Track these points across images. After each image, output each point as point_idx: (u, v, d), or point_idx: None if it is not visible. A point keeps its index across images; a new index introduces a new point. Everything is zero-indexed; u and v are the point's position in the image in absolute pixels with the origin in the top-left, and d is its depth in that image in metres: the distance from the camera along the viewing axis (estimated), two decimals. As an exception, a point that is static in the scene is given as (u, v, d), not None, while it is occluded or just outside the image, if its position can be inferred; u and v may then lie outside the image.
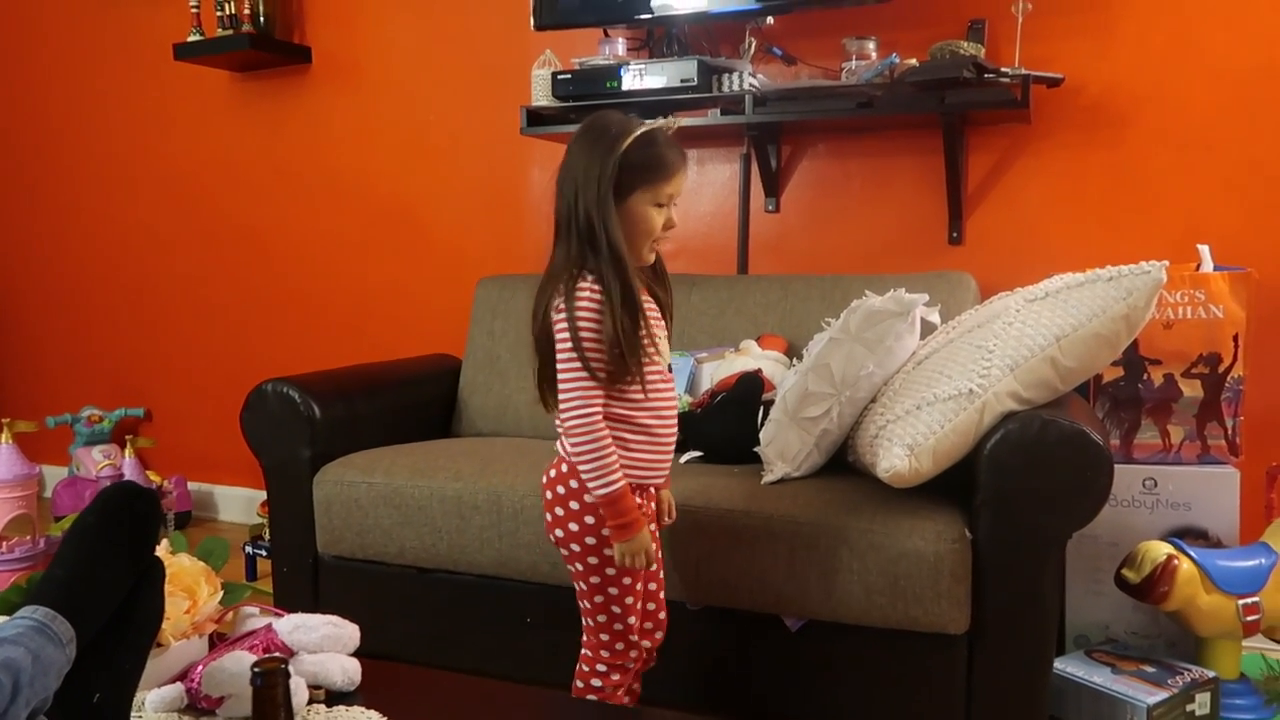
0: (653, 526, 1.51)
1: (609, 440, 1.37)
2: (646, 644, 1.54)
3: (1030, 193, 2.31)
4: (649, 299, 1.44)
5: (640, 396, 1.41)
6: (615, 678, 1.49)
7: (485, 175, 2.87)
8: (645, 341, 1.37)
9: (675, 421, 1.48)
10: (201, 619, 1.25)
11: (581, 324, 1.36)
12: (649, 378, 1.41)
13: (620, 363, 1.36)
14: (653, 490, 1.52)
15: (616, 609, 1.46)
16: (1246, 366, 1.92)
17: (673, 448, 1.50)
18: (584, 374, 1.36)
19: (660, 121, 1.45)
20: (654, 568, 1.49)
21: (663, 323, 1.48)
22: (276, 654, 1.16)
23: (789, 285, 2.25)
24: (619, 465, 1.38)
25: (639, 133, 1.39)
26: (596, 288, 1.36)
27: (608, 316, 1.35)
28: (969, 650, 1.58)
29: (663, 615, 1.58)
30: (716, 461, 1.96)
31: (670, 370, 1.49)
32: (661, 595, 1.56)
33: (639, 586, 1.48)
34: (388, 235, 3.03)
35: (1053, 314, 1.61)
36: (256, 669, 0.84)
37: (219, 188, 3.27)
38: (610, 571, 1.43)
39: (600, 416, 1.38)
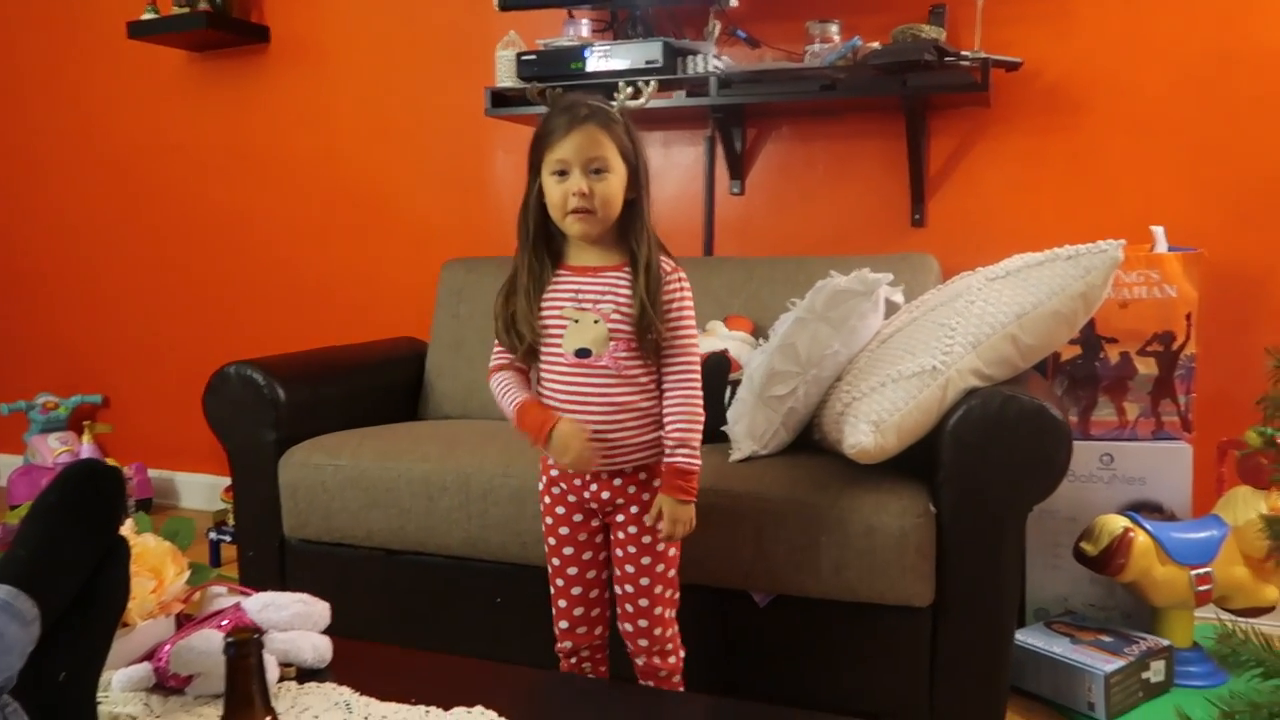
0: (569, 515, 1.49)
1: (499, 385, 1.48)
2: (583, 630, 1.51)
3: (990, 175, 2.35)
4: (575, 276, 1.43)
5: (543, 370, 1.45)
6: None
7: (449, 157, 2.85)
8: (511, 325, 1.44)
9: (577, 408, 1.41)
10: (168, 599, 1.24)
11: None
12: (544, 354, 1.44)
13: (505, 338, 1.46)
14: (617, 482, 1.45)
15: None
16: (1198, 345, 1.97)
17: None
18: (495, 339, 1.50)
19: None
20: (571, 464, 1.42)
21: (588, 303, 1.40)
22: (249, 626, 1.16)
23: (754, 267, 2.27)
24: (514, 392, 1.47)
25: (548, 110, 1.42)
26: None
27: (501, 296, 1.47)
28: (933, 623, 1.61)
29: (619, 625, 1.50)
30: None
31: (583, 355, 1.40)
32: (632, 592, 1.46)
33: (555, 562, 1.50)
34: (351, 218, 3.00)
35: (1013, 292, 1.64)
36: (230, 639, 0.84)
37: (176, 170, 3.21)
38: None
39: (495, 369, 1.50)
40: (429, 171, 2.89)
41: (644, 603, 1.46)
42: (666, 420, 1.42)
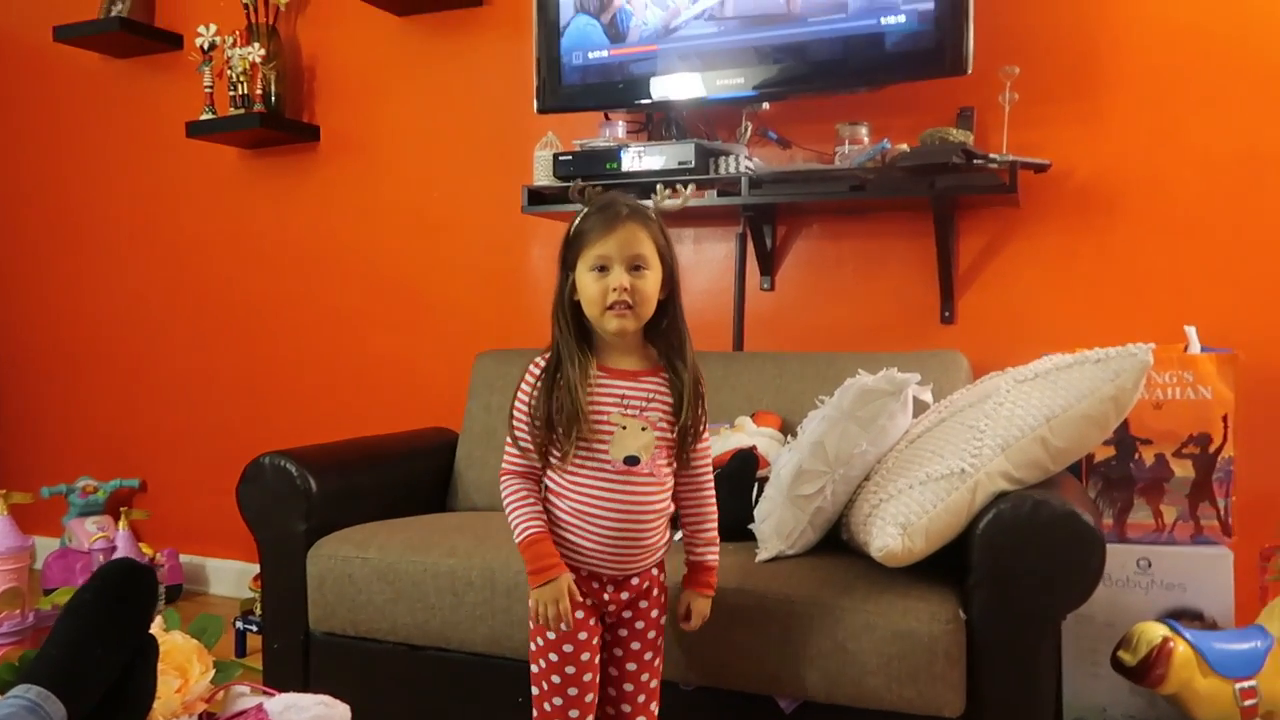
0: (586, 619, 1.42)
1: (515, 497, 1.42)
2: None
3: (1020, 274, 2.36)
4: (617, 380, 1.41)
5: (576, 476, 1.40)
6: None
7: (486, 252, 2.92)
8: (559, 419, 1.37)
9: (621, 516, 1.39)
10: (192, 698, 1.24)
11: (518, 393, 1.44)
12: (580, 460, 1.39)
13: (541, 435, 1.40)
14: (635, 581, 1.45)
15: (535, 690, 1.44)
16: (1236, 447, 1.94)
17: (620, 543, 1.40)
18: (509, 438, 1.44)
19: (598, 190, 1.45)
20: (564, 628, 1.38)
21: (634, 410, 1.39)
22: (268, 734, 1.16)
23: (784, 363, 2.28)
24: (530, 517, 1.41)
25: (585, 209, 1.42)
26: (541, 362, 1.44)
27: (539, 390, 1.41)
28: (965, 734, 1.57)
29: None
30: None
31: (631, 463, 1.38)
32: (642, 701, 1.47)
33: (570, 670, 1.41)
34: (388, 309, 3.07)
35: (1042, 395, 1.63)
36: (248, 750, 0.84)
37: (223, 261, 3.32)
38: (538, 639, 1.43)
39: (510, 475, 1.44)
40: (466, 265, 2.96)
41: (653, 707, 1.48)
42: (694, 520, 1.48)
